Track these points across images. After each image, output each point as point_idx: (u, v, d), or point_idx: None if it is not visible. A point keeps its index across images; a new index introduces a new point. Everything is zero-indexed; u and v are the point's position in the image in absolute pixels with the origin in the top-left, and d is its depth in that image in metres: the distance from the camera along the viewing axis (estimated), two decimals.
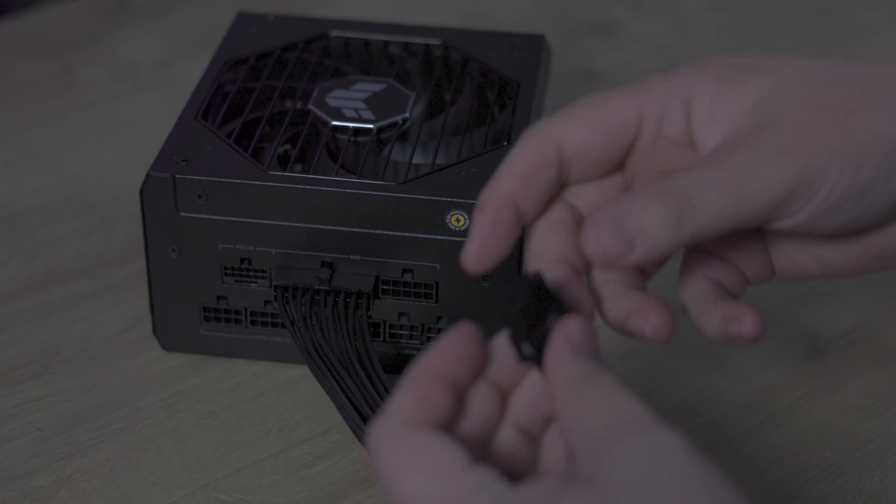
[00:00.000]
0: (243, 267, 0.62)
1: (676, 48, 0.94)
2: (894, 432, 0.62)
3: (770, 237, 0.50)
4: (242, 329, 0.64)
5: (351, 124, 0.65)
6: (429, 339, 0.63)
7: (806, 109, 0.45)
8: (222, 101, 0.67)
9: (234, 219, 0.61)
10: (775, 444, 0.61)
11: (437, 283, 0.62)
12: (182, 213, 0.61)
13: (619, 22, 0.97)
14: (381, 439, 0.41)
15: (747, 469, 0.60)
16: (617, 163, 0.48)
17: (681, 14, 0.99)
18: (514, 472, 0.44)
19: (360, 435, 0.57)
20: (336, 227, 0.61)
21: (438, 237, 0.60)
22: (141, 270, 0.70)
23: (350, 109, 0.66)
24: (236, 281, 0.63)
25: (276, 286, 0.62)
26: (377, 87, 0.68)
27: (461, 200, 0.59)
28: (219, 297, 0.63)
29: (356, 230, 0.61)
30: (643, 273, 0.49)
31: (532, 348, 0.43)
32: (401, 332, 0.64)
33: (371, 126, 0.65)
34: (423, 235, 0.60)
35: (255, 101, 0.67)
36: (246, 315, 0.64)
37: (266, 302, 0.63)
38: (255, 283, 0.63)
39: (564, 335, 0.42)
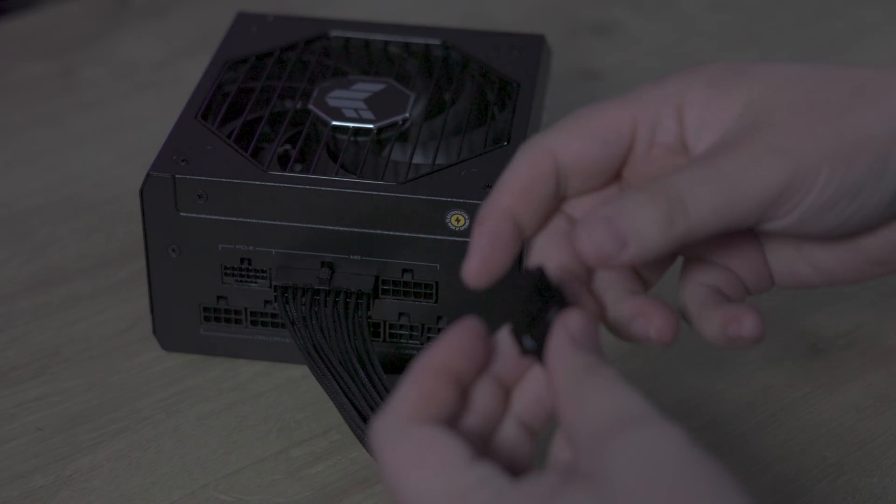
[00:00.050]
0: (243, 267, 0.62)
1: (676, 48, 0.94)
2: (894, 432, 0.62)
3: (767, 244, 0.50)
4: (242, 329, 0.64)
5: (351, 124, 0.65)
6: (429, 339, 0.63)
7: (796, 110, 0.46)
8: (222, 101, 0.67)
9: (234, 219, 0.61)
10: (775, 444, 0.61)
11: (437, 283, 0.62)
12: (182, 213, 0.61)
13: (619, 22, 0.97)
14: (384, 434, 0.41)
15: (747, 469, 0.60)
16: (614, 172, 0.48)
17: (681, 14, 0.99)
18: (516, 467, 0.44)
19: (360, 435, 0.57)
20: (336, 227, 0.61)
21: (438, 237, 0.60)
22: (141, 270, 0.70)
23: (350, 109, 0.66)
24: (236, 281, 0.63)
25: (276, 286, 0.62)
26: (377, 87, 0.68)
27: (461, 200, 0.59)
28: (219, 297, 0.63)
29: (356, 230, 0.61)
30: (644, 282, 0.49)
31: (533, 342, 0.43)
32: (401, 332, 0.64)
33: (371, 126, 0.65)
34: (423, 235, 0.60)
35: (255, 101, 0.67)
36: (246, 315, 0.64)
37: (266, 302, 0.63)
38: (255, 283, 0.63)
39: (565, 328, 0.42)
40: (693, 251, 0.50)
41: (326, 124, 0.65)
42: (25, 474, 0.59)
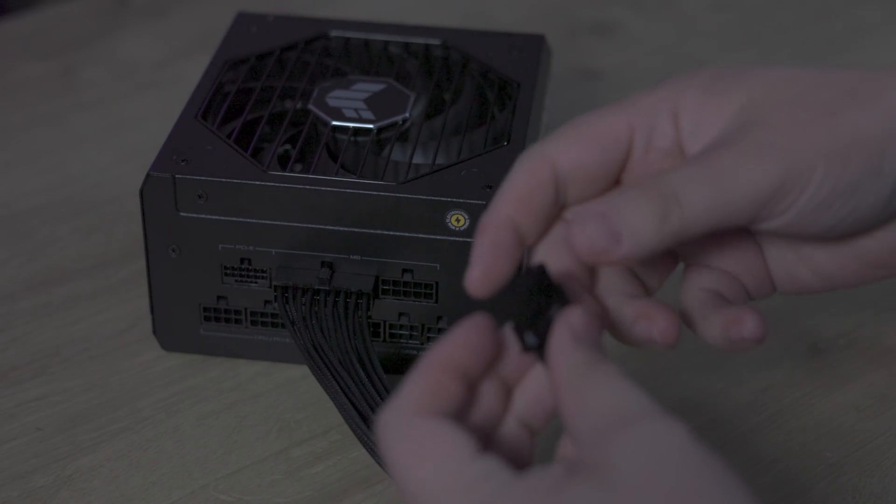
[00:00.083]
0: (243, 267, 0.62)
1: (676, 48, 0.94)
2: (894, 432, 0.62)
3: (767, 248, 0.50)
4: (242, 329, 0.64)
5: (351, 124, 0.65)
6: (429, 339, 0.63)
7: (791, 109, 0.46)
8: (222, 101, 0.67)
9: (234, 219, 0.61)
10: (775, 444, 0.61)
11: (437, 283, 0.62)
12: (182, 213, 0.61)
13: (619, 22, 0.97)
14: (390, 426, 0.42)
15: (748, 469, 0.60)
16: (612, 178, 0.48)
17: (681, 14, 0.99)
18: (517, 464, 0.44)
19: (360, 435, 0.57)
20: (336, 227, 0.61)
21: (438, 237, 0.60)
22: (141, 270, 0.70)
23: (350, 109, 0.66)
24: (236, 281, 0.63)
25: (276, 286, 0.62)
26: (377, 87, 0.68)
27: (461, 200, 0.59)
28: (219, 297, 0.63)
29: (356, 230, 0.61)
30: (646, 288, 0.49)
31: (535, 338, 0.43)
32: (401, 332, 0.64)
33: (371, 126, 0.65)
34: (423, 235, 0.60)
35: (255, 101, 0.67)
36: (246, 315, 0.64)
37: (266, 302, 0.63)
38: (255, 283, 0.63)
39: (568, 324, 0.43)
40: (693, 256, 0.50)
41: (326, 124, 0.65)
42: (25, 474, 0.59)
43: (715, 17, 0.98)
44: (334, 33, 0.72)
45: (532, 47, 0.72)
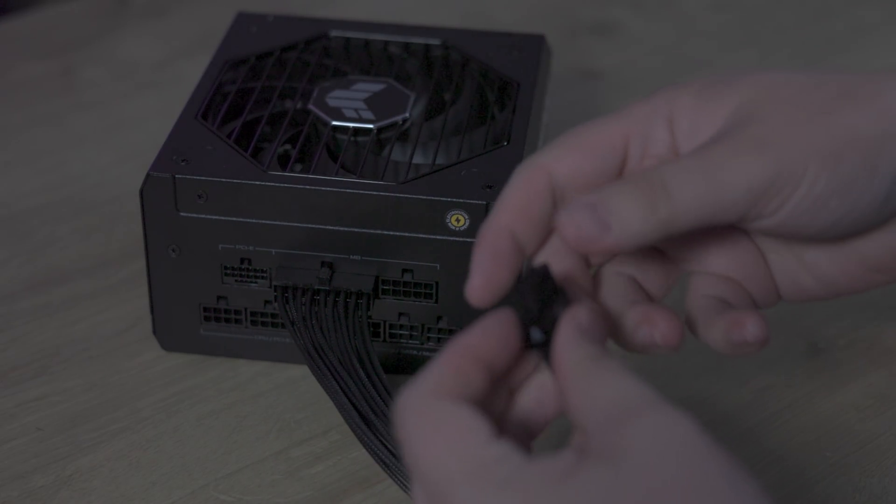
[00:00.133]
0: (243, 267, 0.62)
1: (676, 48, 0.94)
2: (894, 432, 0.62)
3: (769, 254, 0.50)
4: (242, 329, 0.64)
5: (351, 124, 0.65)
6: (428, 339, 0.64)
7: (785, 108, 0.46)
8: (222, 101, 0.67)
9: (234, 219, 0.61)
10: (775, 443, 0.61)
11: (437, 283, 0.62)
12: (182, 213, 0.61)
13: (619, 22, 0.97)
14: (409, 405, 0.42)
15: (748, 468, 0.60)
16: None
17: (681, 14, 0.99)
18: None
19: (360, 435, 0.57)
20: (336, 227, 0.61)
21: (438, 237, 0.60)
22: (141, 270, 0.70)
23: (350, 109, 0.66)
24: (236, 281, 0.63)
25: (276, 286, 0.62)
26: (377, 87, 0.68)
27: (461, 200, 0.59)
28: (219, 297, 0.63)
29: (356, 230, 0.61)
30: (650, 298, 0.50)
31: (542, 334, 0.43)
32: (401, 332, 0.64)
33: (371, 126, 0.65)
34: (423, 235, 0.60)
35: (255, 102, 0.67)
36: (246, 315, 0.64)
37: (266, 302, 0.63)
38: (255, 283, 0.63)
39: (574, 320, 0.43)
40: (695, 261, 0.50)
41: (326, 124, 0.65)
42: (25, 474, 0.59)
43: (715, 17, 0.98)
44: (334, 33, 0.72)
45: (532, 47, 0.72)
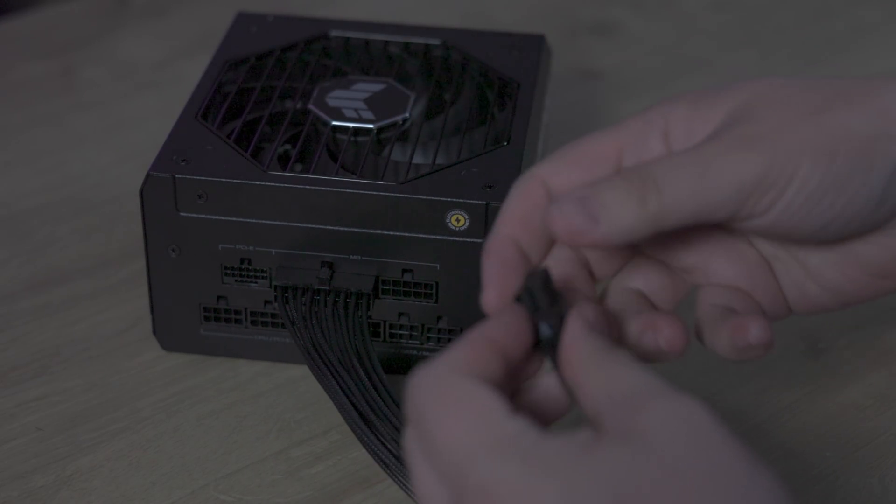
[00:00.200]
0: (243, 267, 0.62)
1: (676, 48, 0.94)
2: (894, 432, 0.62)
3: (774, 263, 0.50)
4: (242, 329, 0.64)
5: (351, 124, 0.65)
6: (428, 339, 0.64)
7: (778, 108, 0.47)
8: (222, 101, 0.67)
9: (234, 219, 0.61)
10: (775, 444, 0.61)
11: (437, 283, 0.62)
12: (182, 213, 0.61)
13: (619, 22, 0.97)
14: (428, 381, 0.42)
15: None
16: None
17: (681, 14, 0.99)
18: None
19: (360, 435, 0.57)
20: (336, 227, 0.61)
21: (438, 237, 0.60)
22: (141, 270, 0.70)
23: (350, 109, 0.66)
24: (236, 281, 0.63)
25: (276, 286, 0.62)
26: (377, 87, 0.68)
27: (461, 200, 0.59)
28: (219, 297, 0.63)
29: (356, 230, 0.61)
30: (655, 307, 0.50)
31: (550, 329, 0.44)
32: (401, 332, 0.64)
33: (371, 126, 0.65)
34: (423, 235, 0.60)
35: (255, 101, 0.67)
36: (246, 315, 0.64)
37: (266, 302, 0.63)
38: (255, 283, 0.63)
39: (582, 315, 0.43)
40: (702, 275, 0.50)
41: (326, 124, 0.65)
42: (25, 474, 0.59)
43: (715, 17, 0.98)
44: (334, 33, 0.72)
45: (532, 47, 0.72)
